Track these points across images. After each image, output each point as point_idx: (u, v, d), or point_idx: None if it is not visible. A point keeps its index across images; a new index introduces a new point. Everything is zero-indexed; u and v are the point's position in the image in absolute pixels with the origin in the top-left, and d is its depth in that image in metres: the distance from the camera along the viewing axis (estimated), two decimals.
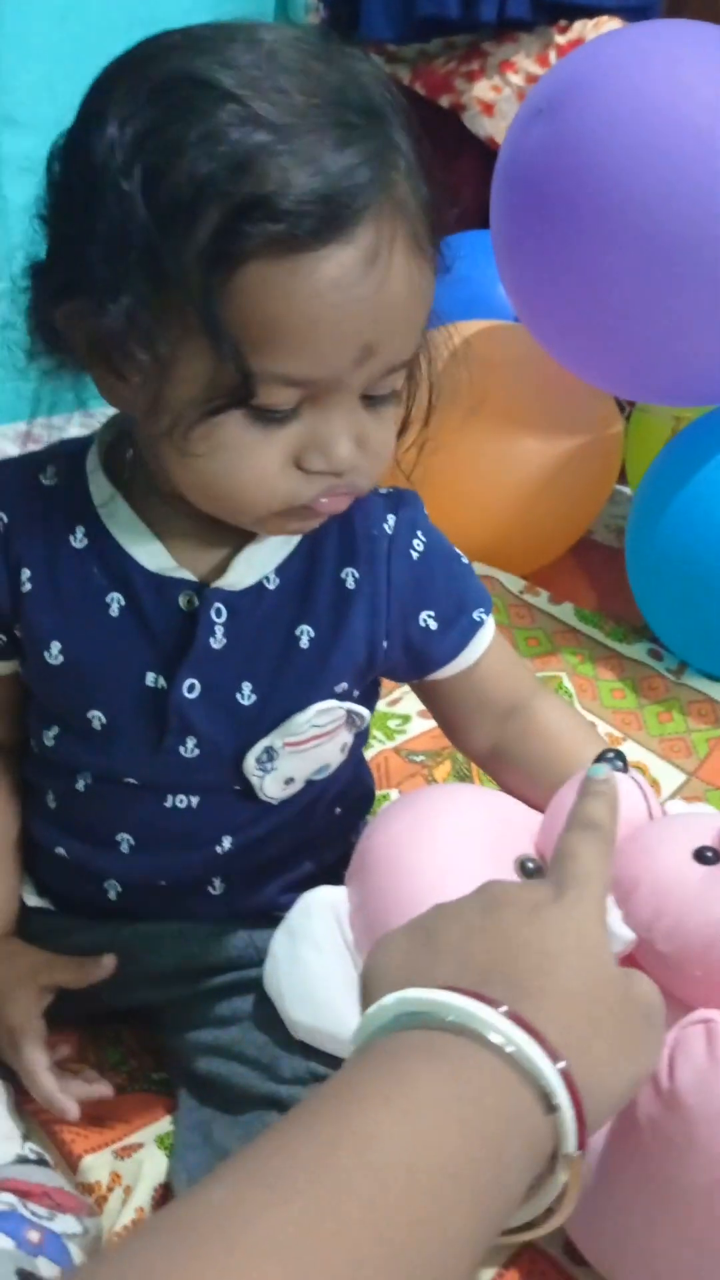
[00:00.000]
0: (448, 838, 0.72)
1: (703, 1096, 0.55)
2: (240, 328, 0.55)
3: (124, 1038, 0.81)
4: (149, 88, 0.55)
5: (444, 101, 1.92)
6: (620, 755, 0.70)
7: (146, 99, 0.55)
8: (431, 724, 1.20)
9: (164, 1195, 0.70)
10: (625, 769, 0.70)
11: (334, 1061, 0.68)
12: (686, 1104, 0.56)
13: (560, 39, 1.87)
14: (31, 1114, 0.74)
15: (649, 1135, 0.58)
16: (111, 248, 0.55)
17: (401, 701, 1.22)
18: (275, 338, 0.56)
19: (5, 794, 0.77)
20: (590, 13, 1.87)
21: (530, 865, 0.70)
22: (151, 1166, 0.71)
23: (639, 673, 1.31)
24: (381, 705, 1.14)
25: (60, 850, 0.76)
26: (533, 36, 1.90)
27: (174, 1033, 0.76)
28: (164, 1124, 0.75)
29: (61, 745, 0.73)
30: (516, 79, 1.88)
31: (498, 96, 1.89)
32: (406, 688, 1.24)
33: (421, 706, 1.21)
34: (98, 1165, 0.71)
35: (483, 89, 1.89)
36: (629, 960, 0.64)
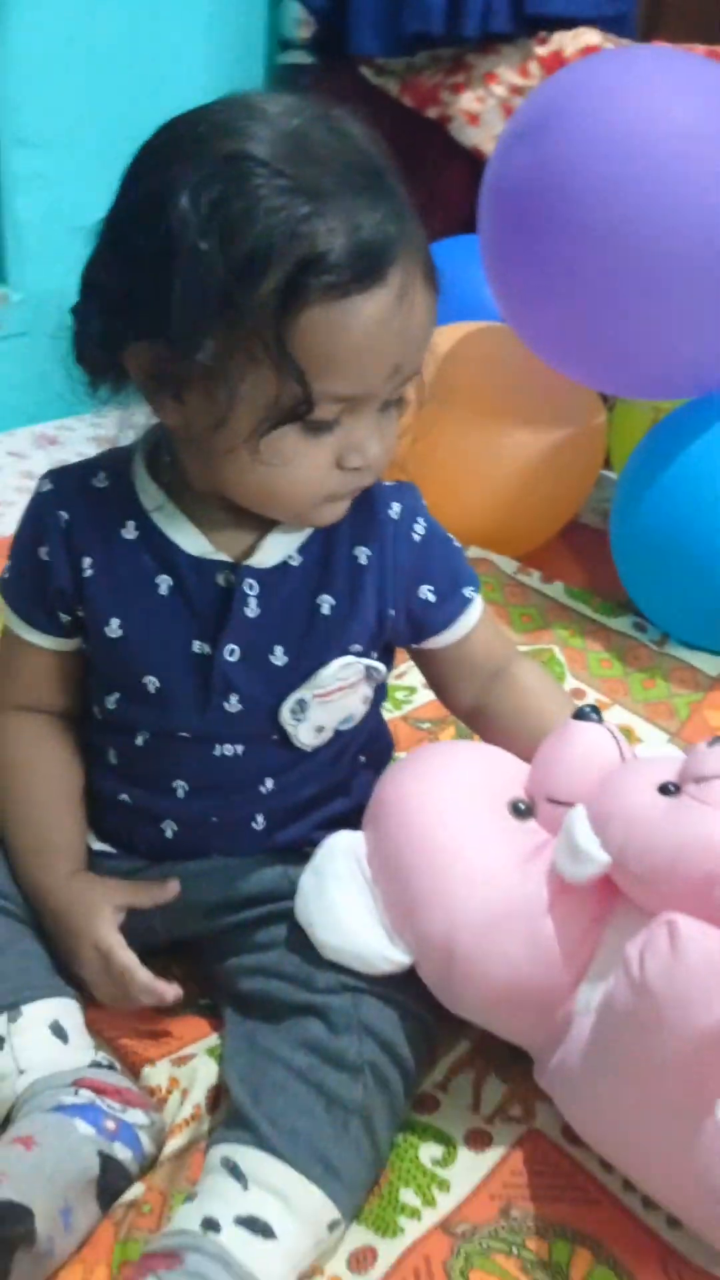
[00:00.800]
0: (448, 786, 0.83)
1: (667, 982, 0.65)
2: (303, 358, 0.68)
3: (172, 969, 0.91)
4: (209, 167, 0.67)
5: (431, 113, 2.01)
6: (595, 709, 0.82)
7: (211, 177, 0.67)
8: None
9: (216, 1096, 0.80)
10: (600, 720, 0.82)
11: (361, 975, 0.79)
12: (654, 990, 0.66)
13: (540, 50, 1.96)
14: (97, 1031, 0.84)
15: (625, 1022, 0.69)
16: (194, 298, 0.67)
17: (407, 675, 1.32)
18: (332, 365, 0.69)
19: (71, 752, 0.88)
20: (568, 24, 1.96)
21: (521, 806, 0.81)
22: (205, 1072, 0.81)
23: (624, 644, 1.42)
24: (390, 679, 1.25)
25: (123, 797, 0.87)
26: (514, 48, 1.99)
27: (218, 960, 0.86)
28: (213, 1039, 0.85)
29: (121, 708, 0.84)
30: (499, 90, 1.97)
31: (482, 107, 1.98)
32: (412, 663, 1.36)
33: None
34: (157, 1072, 0.82)
35: (468, 100, 1.98)
36: (605, 881, 0.75)
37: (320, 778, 0.88)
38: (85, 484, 0.82)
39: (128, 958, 0.81)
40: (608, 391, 1.54)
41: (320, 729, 0.85)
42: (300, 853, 0.84)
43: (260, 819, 0.86)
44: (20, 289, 1.98)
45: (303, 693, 0.82)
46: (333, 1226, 0.70)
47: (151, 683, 0.82)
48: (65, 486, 0.83)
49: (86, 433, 2.02)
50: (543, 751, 0.83)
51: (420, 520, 0.86)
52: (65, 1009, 0.81)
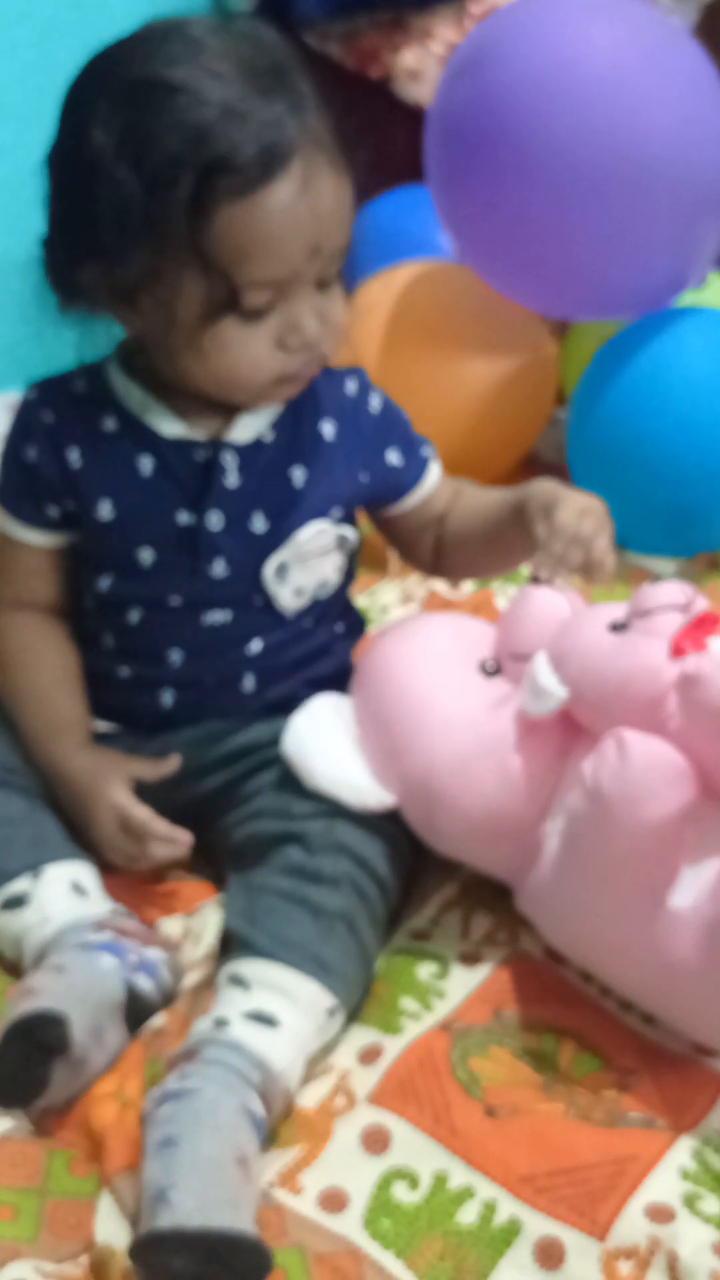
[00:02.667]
0: (423, 648, 0.92)
1: (617, 784, 0.74)
2: (222, 254, 0.77)
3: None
4: (116, 96, 0.77)
5: (374, 73, 2.08)
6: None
7: (118, 105, 0.76)
8: (408, 608, 1.39)
9: (225, 940, 0.87)
10: (550, 583, 0.90)
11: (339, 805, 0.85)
12: (606, 794, 0.74)
13: (474, 8, 2.04)
14: (115, 896, 0.91)
15: (584, 827, 0.77)
16: (117, 219, 0.77)
17: (380, 593, 1.40)
18: (249, 255, 0.78)
19: (67, 641, 0.95)
20: None
21: (488, 666, 0.90)
22: (214, 921, 0.89)
23: None
24: (363, 599, 1.32)
25: (123, 671, 0.94)
26: (449, 7, 2.07)
27: (215, 823, 0.93)
28: (217, 898, 0.92)
29: (115, 588, 0.91)
30: (437, 47, 2.04)
31: (421, 65, 2.06)
32: (382, 583, 1.43)
33: (399, 595, 1.41)
34: (171, 924, 0.89)
35: (407, 58, 2.05)
36: (566, 715, 0.83)
37: (302, 641, 0.95)
38: (67, 389, 0.91)
39: (144, 811, 0.88)
40: (555, 315, 1.61)
41: (300, 591, 0.92)
42: (289, 712, 0.91)
43: (250, 679, 0.94)
44: None
45: (283, 555, 0.90)
46: (331, 1012, 0.78)
47: (146, 556, 0.89)
48: (48, 393, 0.91)
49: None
50: (504, 614, 0.93)
51: (374, 394, 0.96)
52: (83, 870, 0.88)
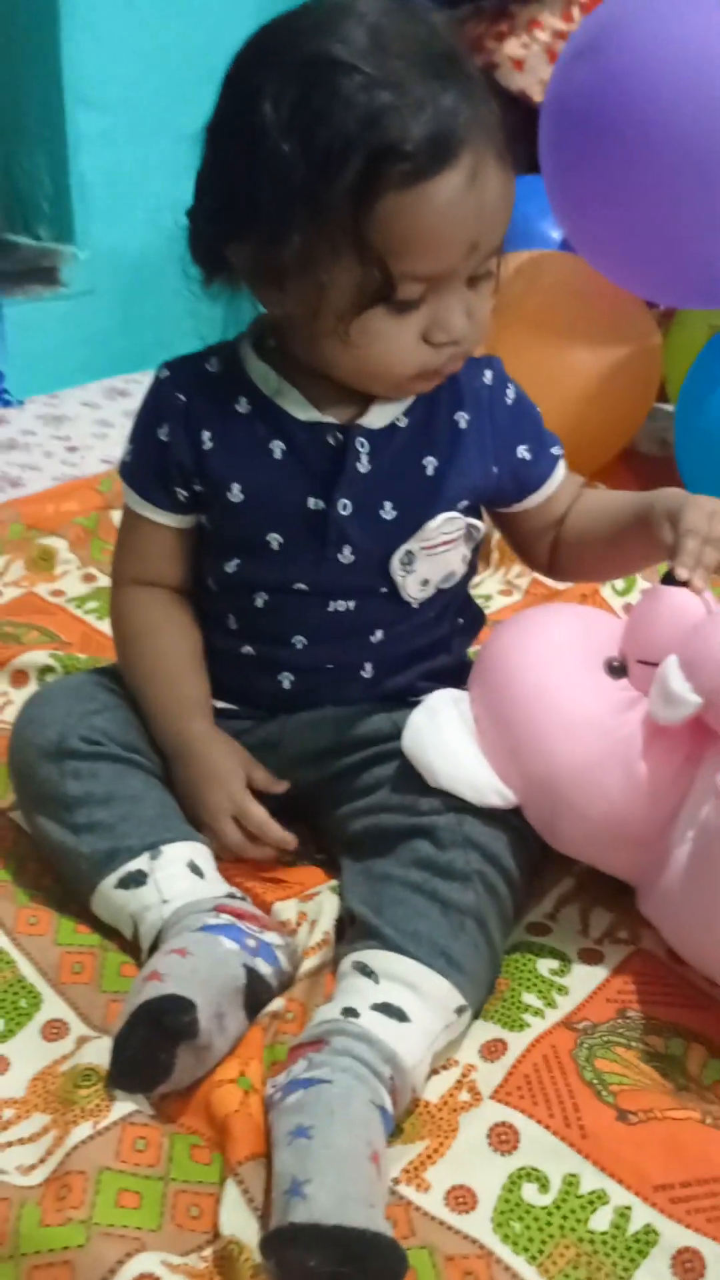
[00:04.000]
0: (548, 645, 0.88)
1: None
2: (382, 242, 0.74)
3: (286, 828, 0.97)
4: (290, 71, 0.74)
5: (477, 61, 2.07)
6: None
7: (290, 80, 0.73)
8: (512, 599, 1.37)
9: (342, 927, 0.85)
10: (685, 582, 0.84)
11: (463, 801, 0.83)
12: None
13: None
14: (228, 879, 0.90)
15: (715, 842, 0.74)
16: (279, 196, 0.74)
17: (483, 584, 1.38)
18: (410, 247, 0.74)
19: (190, 618, 0.95)
20: None
21: (615, 665, 0.86)
22: (330, 906, 0.87)
23: None
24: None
25: (246, 649, 0.93)
26: None
27: (330, 809, 0.92)
28: (332, 884, 0.90)
29: (242, 570, 0.90)
30: (543, 35, 2.02)
31: (526, 53, 2.03)
32: (484, 575, 1.41)
33: (502, 585, 1.39)
34: (286, 908, 0.88)
35: (512, 47, 2.03)
36: (697, 721, 0.79)
37: (424, 632, 0.94)
38: (199, 369, 0.89)
39: (261, 812, 0.88)
40: (667, 302, 1.59)
41: (425, 582, 0.90)
42: (405, 702, 0.90)
43: (369, 667, 0.93)
44: (87, 247, 2.05)
45: (410, 544, 0.88)
46: (460, 1011, 0.76)
47: (275, 539, 0.87)
48: (181, 372, 0.89)
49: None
50: (633, 615, 0.88)
51: (510, 386, 0.93)
52: (199, 851, 0.87)
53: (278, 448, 0.87)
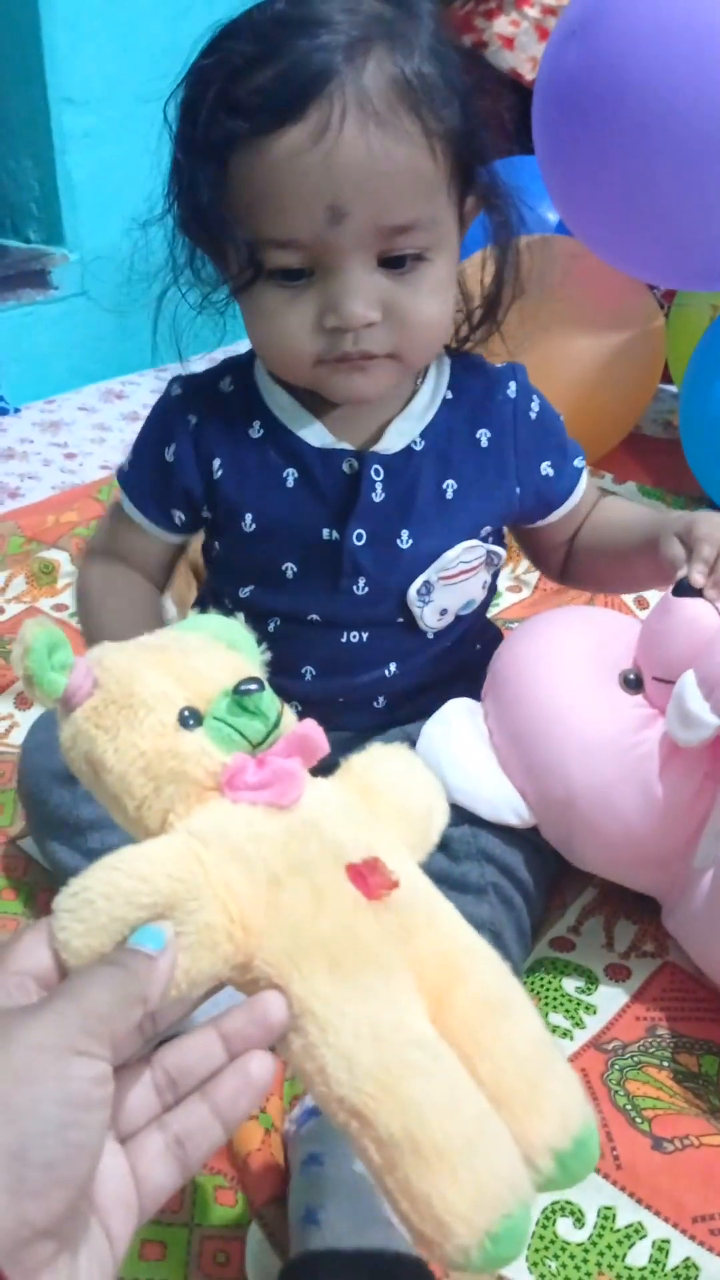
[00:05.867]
0: (561, 658, 0.85)
1: None
2: (237, 204, 0.70)
3: None
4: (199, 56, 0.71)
5: (466, 41, 2.03)
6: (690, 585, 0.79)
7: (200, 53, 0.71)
8: (520, 595, 1.34)
9: None
10: (700, 592, 0.78)
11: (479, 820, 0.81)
12: None
13: None
14: None
15: None
16: (174, 163, 0.73)
17: None
18: (254, 208, 0.69)
19: (155, 592, 0.90)
20: None
21: (631, 678, 0.82)
22: None
23: None
24: None
25: None
26: None
27: None
28: None
29: (255, 597, 0.85)
30: (533, 12, 1.98)
31: (516, 30, 1.99)
32: None
33: (510, 582, 1.36)
34: None
35: (502, 25, 1.99)
36: (717, 742, 0.75)
37: (440, 661, 0.89)
38: (213, 388, 0.84)
39: None
40: (666, 284, 1.55)
41: (444, 611, 0.86)
42: (421, 720, 0.87)
43: (382, 699, 0.89)
44: (77, 249, 2.02)
45: (429, 574, 0.83)
46: None
47: (289, 568, 0.83)
48: (194, 391, 0.84)
49: (151, 386, 2.06)
50: (646, 628, 0.84)
51: (535, 398, 0.87)
52: None
53: (290, 476, 0.82)
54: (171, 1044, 0.45)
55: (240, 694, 0.50)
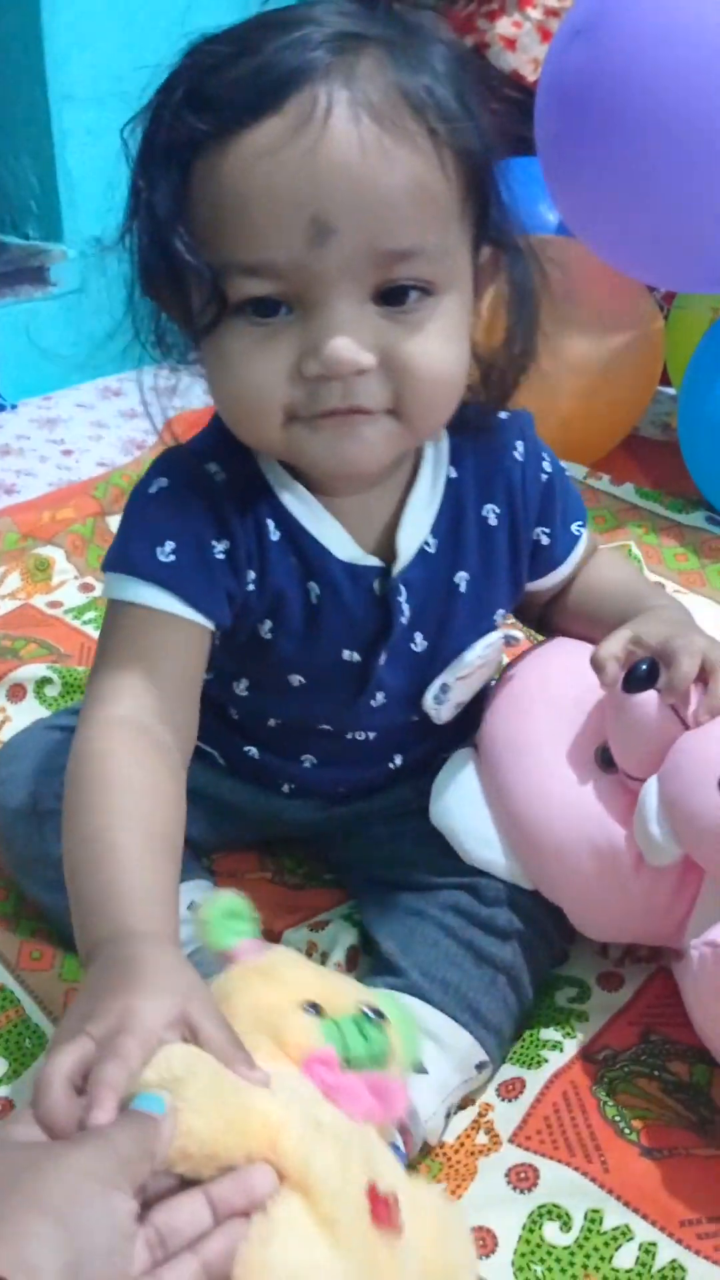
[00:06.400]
0: (537, 738, 0.79)
1: None
2: (197, 220, 0.57)
3: (295, 849, 0.94)
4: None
5: (468, 42, 2.02)
6: (651, 664, 0.71)
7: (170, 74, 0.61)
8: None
9: (354, 957, 0.83)
10: (654, 679, 0.71)
11: None
12: None
13: None
14: None
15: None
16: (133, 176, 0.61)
17: None
18: (219, 221, 0.56)
19: (175, 794, 0.64)
20: None
21: (607, 755, 0.76)
22: (342, 935, 0.84)
23: (699, 537, 1.44)
24: None
25: (249, 750, 0.82)
26: None
27: (345, 844, 0.88)
28: (344, 908, 0.87)
29: (253, 696, 0.77)
30: (535, 13, 1.98)
31: (518, 31, 1.99)
32: None
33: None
34: (296, 938, 0.85)
35: (504, 26, 1.99)
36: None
37: (446, 745, 0.84)
38: (205, 478, 0.68)
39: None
40: (668, 287, 1.55)
41: (458, 705, 0.81)
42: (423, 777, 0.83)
43: (382, 781, 0.85)
44: (75, 245, 2.02)
45: (445, 677, 0.77)
46: (480, 1067, 0.73)
47: (297, 679, 0.75)
48: (188, 488, 0.68)
49: (148, 383, 2.05)
50: (610, 723, 0.76)
51: (545, 457, 0.78)
52: (199, 888, 0.82)
53: (313, 590, 0.71)
54: (162, 1205, 0.47)
55: (369, 1017, 0.57)
